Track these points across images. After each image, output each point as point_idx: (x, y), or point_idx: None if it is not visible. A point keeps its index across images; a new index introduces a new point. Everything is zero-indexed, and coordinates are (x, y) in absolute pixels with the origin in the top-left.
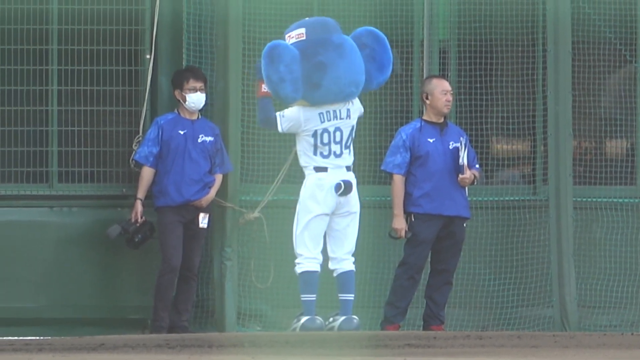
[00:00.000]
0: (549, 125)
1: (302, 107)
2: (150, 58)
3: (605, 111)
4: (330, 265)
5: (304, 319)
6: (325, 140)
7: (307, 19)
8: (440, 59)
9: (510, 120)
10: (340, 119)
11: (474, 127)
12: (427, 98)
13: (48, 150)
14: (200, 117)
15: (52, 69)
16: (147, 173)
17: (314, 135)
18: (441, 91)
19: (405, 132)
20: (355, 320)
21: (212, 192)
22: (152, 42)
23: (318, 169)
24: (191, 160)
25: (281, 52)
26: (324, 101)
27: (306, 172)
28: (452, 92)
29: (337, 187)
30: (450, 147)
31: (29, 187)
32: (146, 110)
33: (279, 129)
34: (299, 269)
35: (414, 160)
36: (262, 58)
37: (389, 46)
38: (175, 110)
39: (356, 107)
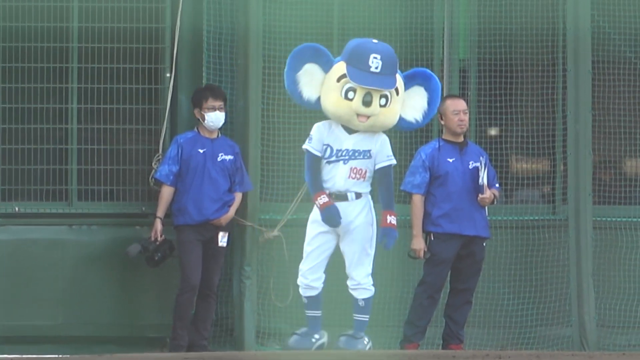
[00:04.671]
0: (568, 145)
1: None
2: (171, 76)
3: (625, 130)
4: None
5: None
6: None
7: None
8: (460, 78)
9: (530, 140)
10: None
11: (493, 146)
12: (441, 119)
13: (68, 169)
14: (219, 135)
15: (72, 87)
16: (166, 191)
17: None
18: (452, 111)
19: (424, 152)
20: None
21: (232, 210)
22: (172, 60)
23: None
24: (210, 179)
25: None
26: None
27: (367, 197)
28: (466, 111)
29: None
30: (470, 166)
31: (49, 205)
32: (166, 128)
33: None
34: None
35: (433, 180)
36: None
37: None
38: (195, 129)
39: None
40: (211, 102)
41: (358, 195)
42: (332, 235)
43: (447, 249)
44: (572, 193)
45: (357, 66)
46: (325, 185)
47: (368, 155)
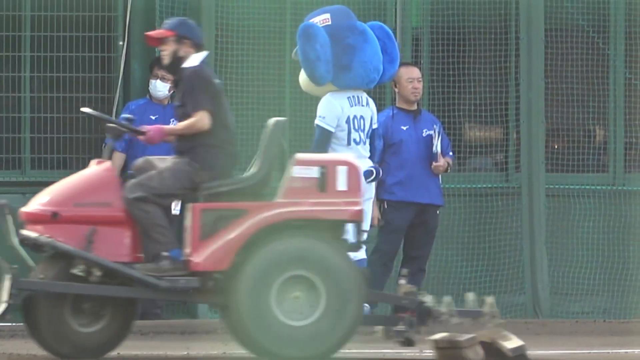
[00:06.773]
0: (521, 113)
1: (332, 95)
2: (123, 45)
3: (577, 98)
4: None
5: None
6: (356, 126)
7: (328, 6)
8: (413, 47)
9: (483, 108)
10: (362, 105)
11: (446, 114)
12: (395, 86)
13: (20, 137)
14: (170, 102)
15: (25, 55)
16: (117, 158)
17: (348, 121)
18: (407, 79)
19: (378, 120)
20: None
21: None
22: (125, 28)
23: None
24: (163, 147)
25: (316, 31)
26: (351, 85)
27: None
28: (420, 79)
29: (369, 173)
30: (424, 134)
31: (1, 173)
32: (119, 96)
33: (331, 130)
34: None
35: (387, 148)
36: (297, 38)
37: (395, 40)
38: (147, 96)
39: (369, 99)
40: (156, 70)
41: None
42: None
43: (401, 216)
44: (525, 161)
45: None
46: None
47: None
